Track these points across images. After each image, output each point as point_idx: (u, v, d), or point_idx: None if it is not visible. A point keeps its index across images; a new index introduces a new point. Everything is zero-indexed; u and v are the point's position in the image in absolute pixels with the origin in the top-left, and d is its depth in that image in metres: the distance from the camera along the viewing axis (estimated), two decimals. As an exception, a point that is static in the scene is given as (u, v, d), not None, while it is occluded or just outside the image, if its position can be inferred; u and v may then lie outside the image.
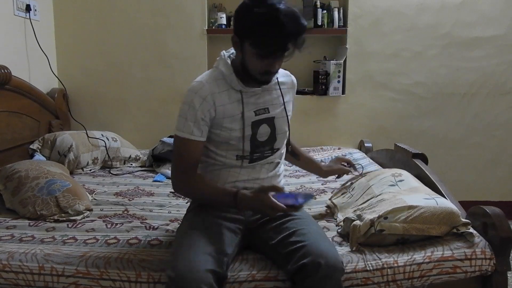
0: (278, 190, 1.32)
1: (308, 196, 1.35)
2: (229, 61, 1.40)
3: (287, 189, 1.65)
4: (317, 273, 1.14)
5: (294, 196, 1.34)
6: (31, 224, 1.64)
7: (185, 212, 1.52)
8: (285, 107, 1.47)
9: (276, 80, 1.46)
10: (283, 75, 1.52)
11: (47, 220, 1.67)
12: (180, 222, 1.51)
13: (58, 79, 2.79)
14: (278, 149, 1.49)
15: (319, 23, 2.79)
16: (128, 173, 2.44)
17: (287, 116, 1.48)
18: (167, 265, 1.22)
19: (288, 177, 2.31)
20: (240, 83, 1.37)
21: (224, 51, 1.43)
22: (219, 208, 1.38)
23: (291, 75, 1.57)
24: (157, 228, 1.61)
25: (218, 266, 1.17)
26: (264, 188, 1.30)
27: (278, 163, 1.52)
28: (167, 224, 1.65)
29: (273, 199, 1.25)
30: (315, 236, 1.27)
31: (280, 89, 1.47)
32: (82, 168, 2.41)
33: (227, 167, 1.43)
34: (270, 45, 1.24)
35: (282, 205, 1.25)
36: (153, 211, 1.81)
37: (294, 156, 1.67)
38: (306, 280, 1.16)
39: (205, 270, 1.12)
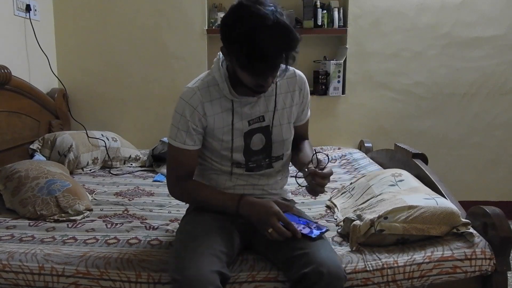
0: (288, 209, 1.31)
1: (322, 228, 1.30)
2: (223, 66, 1.31)
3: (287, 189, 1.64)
4: (319, 282, 1.12)
5: (306, 223, 1.31)
6: (31, 224, 1.64)
7: (184, 213, 1.52)
8: (274, 114, 1.37)
9: (275, 85, 1.37)
10: (286, 76, 1.39)
11: (47, 220, 1.67)
12: (180, 223, 1.50)
13: (58, 79, 2.79)
14: (277, 158, 1.43)
15: (319, 23, 2.79)
16: (128, 173, 2.43)
17: (280, 124, 1.38)
18: (170, 268, 1.20)
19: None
20: (232, 91, 1.30)
21: (221, 52, 1.32)
22: (218, 211, 1.37)
23: (297, 73, 1.42)
24: (157, 228, 1.61)
25: (223, 267, 1.16)
26: (274, 200, 1.30)
27: (279, 171, 1.47)
28: (167, 224, 1.65)
29: (281, 211, 1.25)
30: (317, 243, 1.23)
31: (276, 95, 1.37)
32: (82, 168, 2.41)
33: (225, 173, 1.41)
34: (259, 67, 1.14)
35: (289, 219, 1.24)
36: (153, 211, 1.81)
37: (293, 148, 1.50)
38: None
39: (212, 271, 1.11)
